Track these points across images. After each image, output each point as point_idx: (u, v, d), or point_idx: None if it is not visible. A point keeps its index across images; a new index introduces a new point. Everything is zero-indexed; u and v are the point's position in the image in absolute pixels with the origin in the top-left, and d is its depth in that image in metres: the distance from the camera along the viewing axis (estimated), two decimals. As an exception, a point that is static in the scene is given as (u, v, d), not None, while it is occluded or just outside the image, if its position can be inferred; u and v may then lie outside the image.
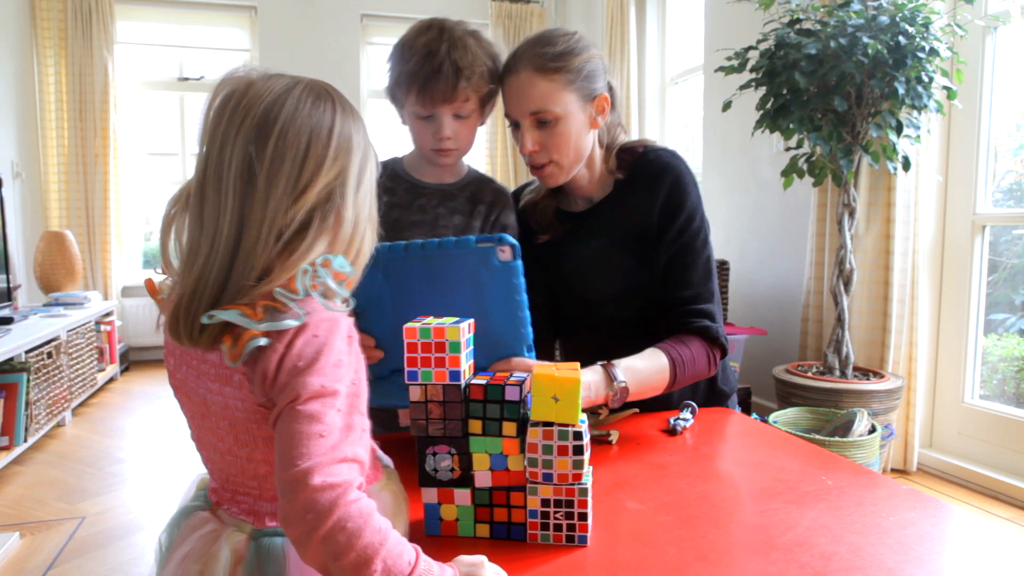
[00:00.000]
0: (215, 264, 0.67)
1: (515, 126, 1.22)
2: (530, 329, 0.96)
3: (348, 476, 0.62)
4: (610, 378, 1.05)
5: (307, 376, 0.63)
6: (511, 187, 1.40)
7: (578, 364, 0.79)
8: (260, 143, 0.68)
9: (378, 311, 0.96)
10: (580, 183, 1.29)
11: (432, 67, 1.13)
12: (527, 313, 0.94)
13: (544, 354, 1.35)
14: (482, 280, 0.92)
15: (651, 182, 1.23)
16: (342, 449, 0.63)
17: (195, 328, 0.66)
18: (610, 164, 1.27)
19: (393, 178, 1.28)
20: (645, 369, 1.10)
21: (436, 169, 1.29)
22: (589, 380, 1.03)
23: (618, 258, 1.26)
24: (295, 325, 0.64)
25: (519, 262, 0.91)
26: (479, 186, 1.32)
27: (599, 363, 1.06)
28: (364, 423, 0.70)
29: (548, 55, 1.15)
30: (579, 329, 1.36)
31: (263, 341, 0.64)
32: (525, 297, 0.93)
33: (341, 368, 0.66)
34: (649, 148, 1.27)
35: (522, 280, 0.92)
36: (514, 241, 0.90)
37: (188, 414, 0.75)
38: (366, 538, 0.60)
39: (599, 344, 1.23)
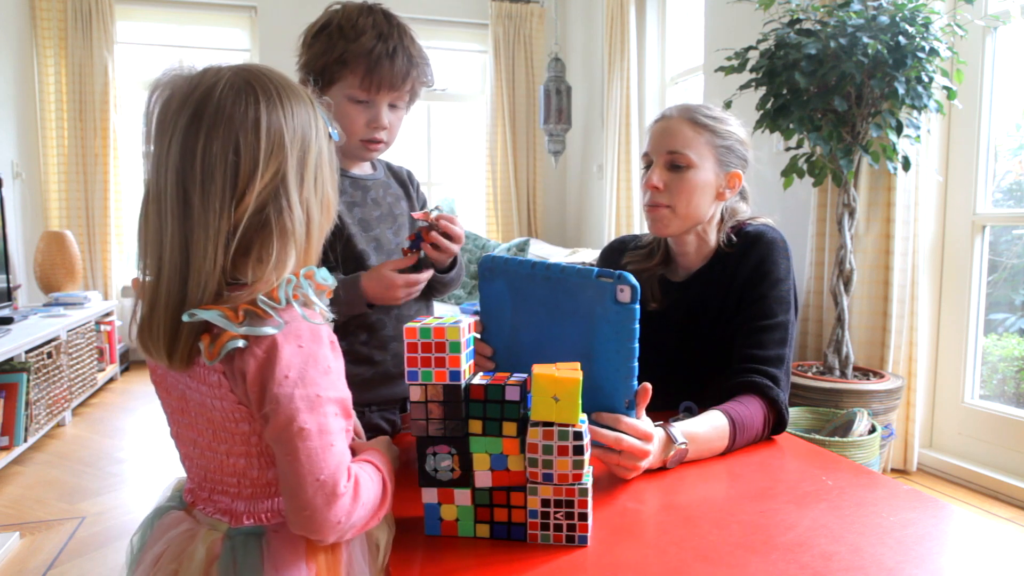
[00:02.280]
0: (166, 286, 0.68)
1: (647, 167, 1.26)
2: (635, 383, 0.89)
3: (352, 470, 0.69)
4: (669, 439, 0.99)
5: (301, 388, 0.65)
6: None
7: (578, 364, 0.79)
8: (188, 161, 0.68)
9: (498, 322, 0.93)
10: (686, 250, 1.31)
11: (386, 50, 1.09)
12: (635, 364, 0.87)
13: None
14: (595, 317, 0.87)
15: (743, 252, 1.25)
16: (347, 452, 0.68)
17: (162, 342, 0.68)
18: (722, 238, 1.28)
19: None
20: (705, 432, 1.04)
21: (357, 161, 1.23)
22: (654, 450, 0.96)
23: (701, 327, 1.28)
24: (274, 333, 0.66)
25: (637, 306, 0.85)
26: (388, 167, 1.31)
27: (657, 423, 1.00)
28: (350, 425, 0.72)
29: (702, 112, 1.24)
30: (659, 380, 1.34)
31: (241, 343, 0.65)
32: (637, 347, 0.86)
33: (331, 375, 0.68)
34: (751, 223, 1.29)
35: (637, 327, 0.85)
36: (635, 282, 0.84)
37: (167, 410, 0.76)
38: (372, 498, 0.71)
39: (678, 392, 1.23)
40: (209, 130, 0.68)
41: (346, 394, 0.70)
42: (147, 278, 0.70)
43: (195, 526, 0.73)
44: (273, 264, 0.68)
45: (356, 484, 0.68)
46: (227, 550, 0.70)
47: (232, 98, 0.69)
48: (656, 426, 1.00)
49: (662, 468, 1.00)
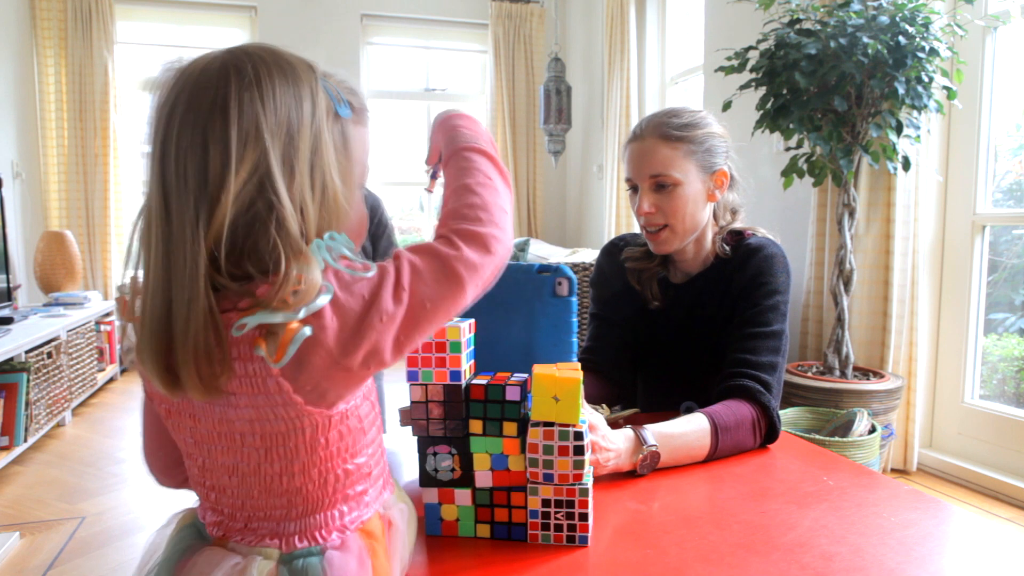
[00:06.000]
0: (151, 311, 0.60)
1: (634, 190, 1.26)
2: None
3: None
4: (639, 442, 0.98)
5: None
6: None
7: (579, 365, 0.79)
8: (166, 163, 0.61)
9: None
10: (685, 256, 1.31)
11: None
12: (574, 357, 0.89)
13: (627, 390, 1.36)
14: (535, 311, 0.89)
15: (743, 262, 1.25)
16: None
17: (159, 373, 0.60)
18: (718, 244, 1.29)
19: None
20: (682, 434, 1.02)
21: None
22: (617, 447, 0.96)
23: (699, 329, 1.28)
24: (327, 298, 0.58)
25: (575, 299, 0.88)
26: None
27: (629, 426, 1.00)
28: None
29: (673, 124, 1.21)
30: (656, 379, 1.37)
31: (308, 331, 0.57)
32: (575, 339, 0.89)
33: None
34: (754, 235, 1.30)
35: (575, 320, 0.88)
36: (571, 274, 0.87)
37: (194, 439, 0.66)
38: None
39: (674, 392, 1.25)
40: (181, 125, 0.60)
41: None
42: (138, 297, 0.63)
43: (244, 559, 0.64)
44: (274, 266, 0.59)
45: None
46: None
47: (205, 84, 0.62)
48: (627, 427, 0.99)
49: (632, 473, 0.98)
